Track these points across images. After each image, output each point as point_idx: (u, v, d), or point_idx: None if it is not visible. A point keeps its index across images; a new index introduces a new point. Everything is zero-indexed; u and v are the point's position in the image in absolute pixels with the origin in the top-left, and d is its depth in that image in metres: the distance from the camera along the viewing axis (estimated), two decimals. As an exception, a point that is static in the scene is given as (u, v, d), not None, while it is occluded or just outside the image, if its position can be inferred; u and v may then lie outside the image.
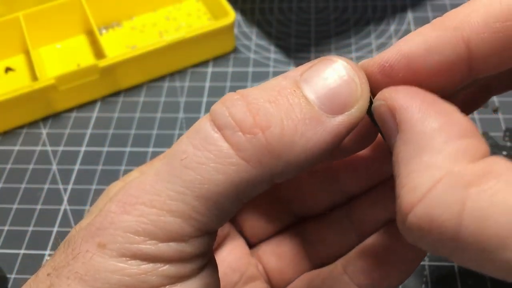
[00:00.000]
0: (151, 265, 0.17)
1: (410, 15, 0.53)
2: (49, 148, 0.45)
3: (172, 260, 0.17)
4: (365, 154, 0.24)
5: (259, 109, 0.17)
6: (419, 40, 0.18)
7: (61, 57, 0.52)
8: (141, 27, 0.54)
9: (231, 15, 0.49)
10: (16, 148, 0.46)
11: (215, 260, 0.20)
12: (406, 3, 0.55)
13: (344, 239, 0.25)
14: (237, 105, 0.18)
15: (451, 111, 0.16)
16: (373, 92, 0.19)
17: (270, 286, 0.25)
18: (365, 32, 0.53)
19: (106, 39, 0.53)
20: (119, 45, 0.53)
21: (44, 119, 0.48)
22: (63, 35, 0.53)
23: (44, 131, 0.47)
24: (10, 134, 0.47)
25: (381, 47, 0.51)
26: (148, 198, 0.17)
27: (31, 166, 0.44)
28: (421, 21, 0.52)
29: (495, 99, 0.45)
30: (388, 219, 0.24)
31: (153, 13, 0.56)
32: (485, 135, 0.42)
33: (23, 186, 0.43)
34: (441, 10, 0.53)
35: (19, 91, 0.44)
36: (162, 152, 0.40)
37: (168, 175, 0.17)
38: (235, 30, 0.53)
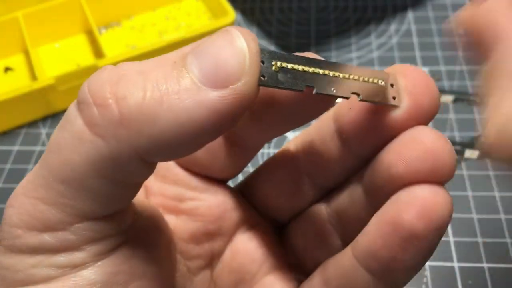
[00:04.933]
0: (37, 257, 0.16)
1: (410, 15, 0.53)
2: (48, 148, 0.45)
3: (58, 250, 0.16)
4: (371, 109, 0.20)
5: (120, 79, 0.16)
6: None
7: (61, 57, 0.52)
8: (140, 26, 0.54)
9: (231, 14, 0.49)
10: (16, 148, 0.46)
11: (132, 244, 0.18)
12: (406, 3, 0.54)
13: (361, 212, 0.21)
14: (99, 76, 0.16)
15: None
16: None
17: (298, 272, 0.23)
18: (365, 32, 0.52)
19: (106, 39, 0.53)
20: (119, 44, 0.53)
21: (44, 119, 0.48)
22: (62, 34, 0.53)
23: (43, 131, 0.47)
24: (9, 134, 0.47)
25: (381, 46, 0.51)
26: (28, 188, 0.16)
27: (30, 166, 0.44)
28: (422, 20, 0.52)
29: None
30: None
31: (153, 13, 0.55)
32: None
33: (22, 186, 0.43)
34: (442, 9, 0.53)
35: (18, 91, 0.44)
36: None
37: (40, 161, 0.17)
38: (235, 30, 0.53)
